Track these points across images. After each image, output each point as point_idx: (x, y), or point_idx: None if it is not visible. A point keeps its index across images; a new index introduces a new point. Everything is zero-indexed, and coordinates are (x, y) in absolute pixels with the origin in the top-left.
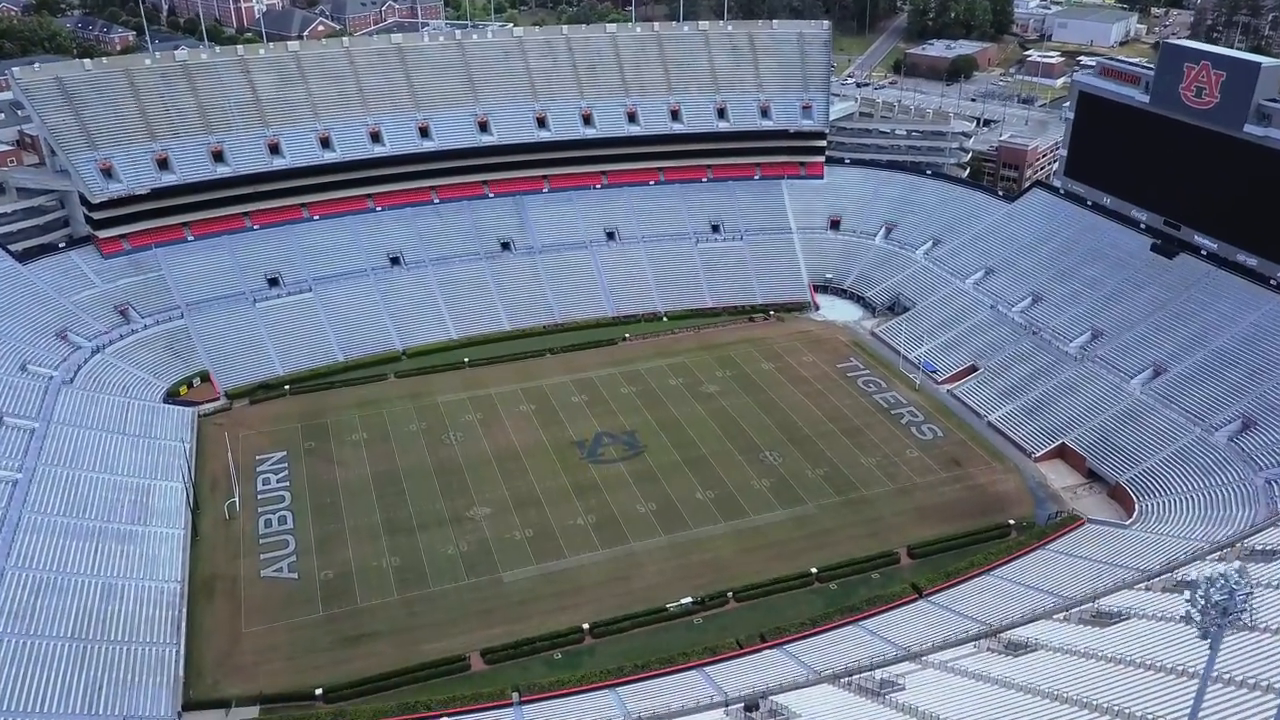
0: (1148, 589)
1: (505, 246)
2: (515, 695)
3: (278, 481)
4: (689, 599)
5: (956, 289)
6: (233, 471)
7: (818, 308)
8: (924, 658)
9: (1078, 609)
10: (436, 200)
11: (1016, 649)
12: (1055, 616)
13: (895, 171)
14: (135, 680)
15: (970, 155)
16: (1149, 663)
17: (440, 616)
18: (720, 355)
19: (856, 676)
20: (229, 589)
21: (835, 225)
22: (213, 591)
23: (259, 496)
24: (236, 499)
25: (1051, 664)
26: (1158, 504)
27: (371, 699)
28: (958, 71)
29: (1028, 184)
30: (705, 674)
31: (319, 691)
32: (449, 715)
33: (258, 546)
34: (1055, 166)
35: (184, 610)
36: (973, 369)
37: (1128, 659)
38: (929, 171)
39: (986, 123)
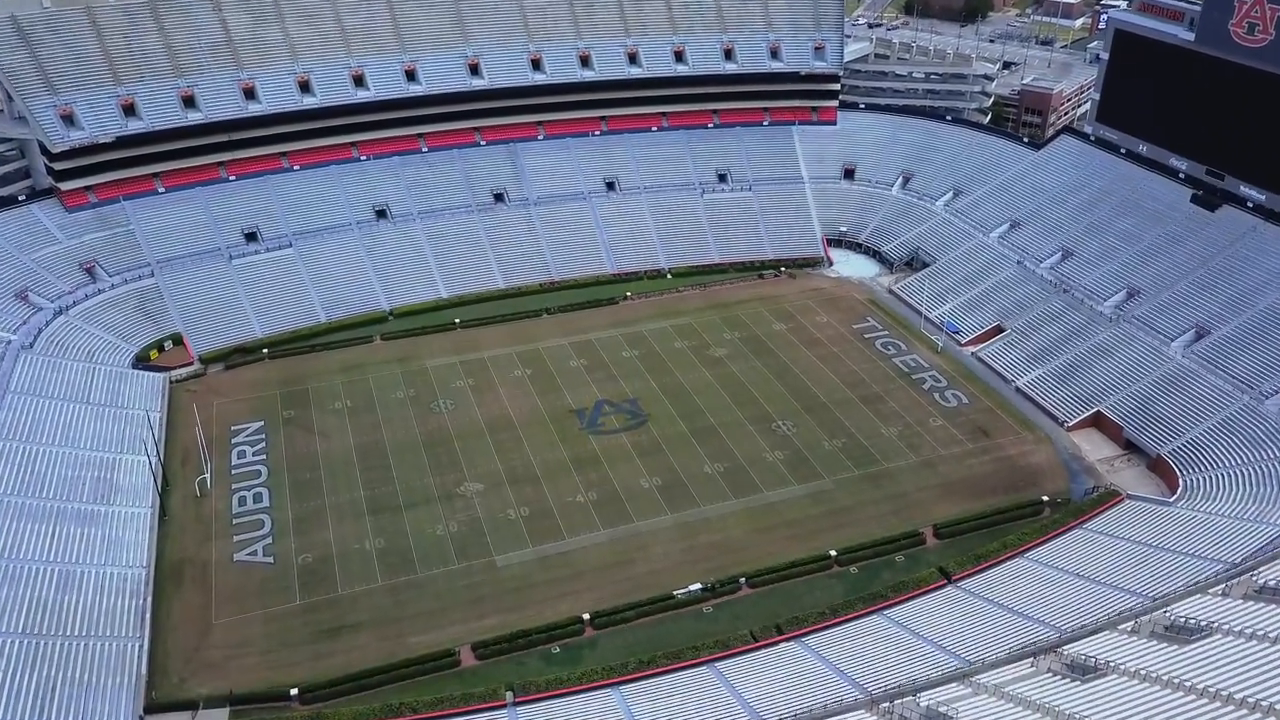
0: (1225, 594)
1: (498, 198)
2: (509, 695)
3: (254, 454)
4: (698, 585)
5: (980, 243)
6: (201, 444)
7: (831, 263)
8: (974, 678)
9: (1147, 617)
10: (425, 149)
11: (1084, 672)
12: (1121, 627)
13: (913, 117)
14: (93, 680)
15: (992, 100)
16: (1254, 701)
17: (428, 605)
18: (728, 315)
19: (897, 703)
20: (199, 575)
21: (849, 174)
22: (181, 578)
23: (233, 471)
24: (208, 474)
25: (1131, 695)
26: (1203, 479)
27: (352, 699)
28: (973, 12)
29: (1056, 130)
30: (717, 671)
31: (294, 691)
32: (437, 718)
33: (231, 527)
34: (1081, 111)
35: (149, 600)
36: (999, 330)
37: (1224, 693)
38: (949, 117)
39: (1006, 65)
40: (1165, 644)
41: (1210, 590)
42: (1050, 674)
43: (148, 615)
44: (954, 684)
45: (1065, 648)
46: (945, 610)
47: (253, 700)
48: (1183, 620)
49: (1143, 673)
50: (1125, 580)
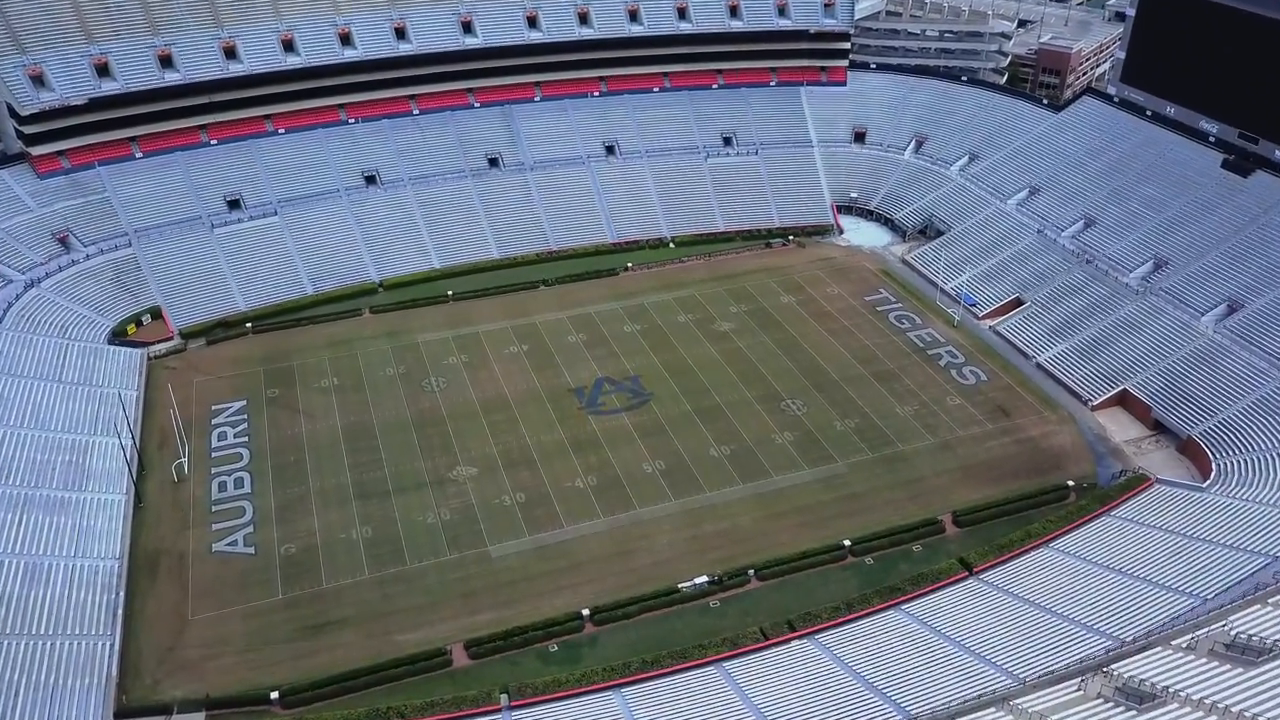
0: None
1: (493, 163)
2: (504, 698)
3: (235, 436)
4: (704, 578)
5: (997, 210)
6: (176, 426)
7: (841, 231)
8: (1013, 702)
9: (1205, 632)
10: (416, 111)
11: (1140, 700)
12: (1176, 642)
13: (926, 77)
14: (60, 683)
15: (1009, 59)
16: None
17: (418, 600)
18: (734, 287)
19: None
20: (175, 567)
21: (860, 138)
22: (156, 570)
23: (213, 454)
24: (185, 459)
25: None
26: (1238, 463)
27: (336, 703)
28: None
29: (1078, 90)
30: (725, 672)
31: (275, 695)
32: None
33: (209, 515)
34: (1100, 71)
35: (121, 594)
36: (1018, 302)
37: None
38: (964, 78)
39: (1021, 24)
40: (1229, 666)
41: (1270, 600)
42: (1101, 699)
43: (120, 611)
44: (993, 709)
45: (1115, 667)
46: (969, 606)
47: (230, 704)
48: (1245, 637)
49: (1208, 703)
50: (1162, 575)
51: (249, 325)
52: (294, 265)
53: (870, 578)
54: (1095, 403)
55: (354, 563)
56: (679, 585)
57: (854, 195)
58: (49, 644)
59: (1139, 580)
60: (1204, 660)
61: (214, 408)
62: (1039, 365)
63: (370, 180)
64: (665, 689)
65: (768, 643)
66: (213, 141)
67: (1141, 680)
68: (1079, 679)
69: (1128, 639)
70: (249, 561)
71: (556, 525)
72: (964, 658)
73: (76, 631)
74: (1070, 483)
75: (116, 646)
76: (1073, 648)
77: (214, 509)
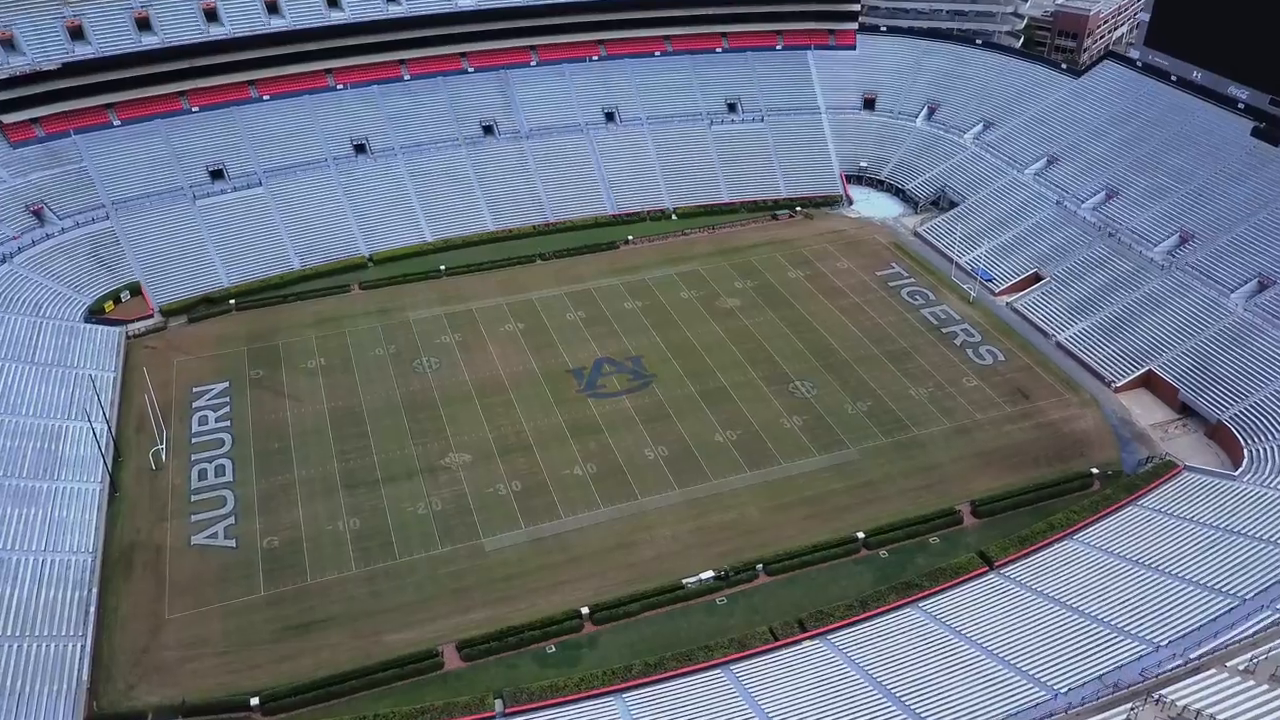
0: None
1: (488, 130)
2: (498, 704)
3: (217, 421)
4: (710, 573)
5: (1014, 180)
6: (150, 410)
7: (851, 202)
8: None
9: (1263, 652)
10: (407, 76)
11: None
12: (1232, 664)
13: (939, 41)
14: (27, 689)
15: (1025, 22)
16: None
17: (408, 597)
18: (740, 261)
19: None
20: (151, 561)
21: (870, 104)
22: (131, 565)
23: (193, 440)
24: (162, 446)
25: None
26: (1272, 449)
27: (320, 709)
28: None
29: (1095, 54)
30: (733, 676)
31: (255, 701)
32: None
33: (189, 505)
34: (1118, 34)
35: (94, 591)
36: (1036, 278)
37: None
38: (978, 41)
39: None
40: None
41: None
42: None
43: (92, 610)
44: None
45: (1167, 693)
46: (991, 605)
47: (208, 710)
48: None
49: None
50: (1196, 571)
51: (232, 302)
52: (280, 238)
53: (885, 572)
54: (1119, 384)
55: (340, 557)
56: (683, 581)
57: (863, 164)
58: (16, 646)
59: (1171, 577)
60: (1264, 688)
61: (195, 390)
62: (1059, 344)
63: (359, 149)
64: (669, 694)
65: (778, 644)
66: (194, 108)
67: (1199, 714)
68: (1128, 705)
69: (1162, 643)
70: (230, 555)
71: (554, 516)
72: (990, 664)
73: (46, 633)
74: (1094, 470)
75: (88, 648)
76: (1105, 654)
77: (193, 499)
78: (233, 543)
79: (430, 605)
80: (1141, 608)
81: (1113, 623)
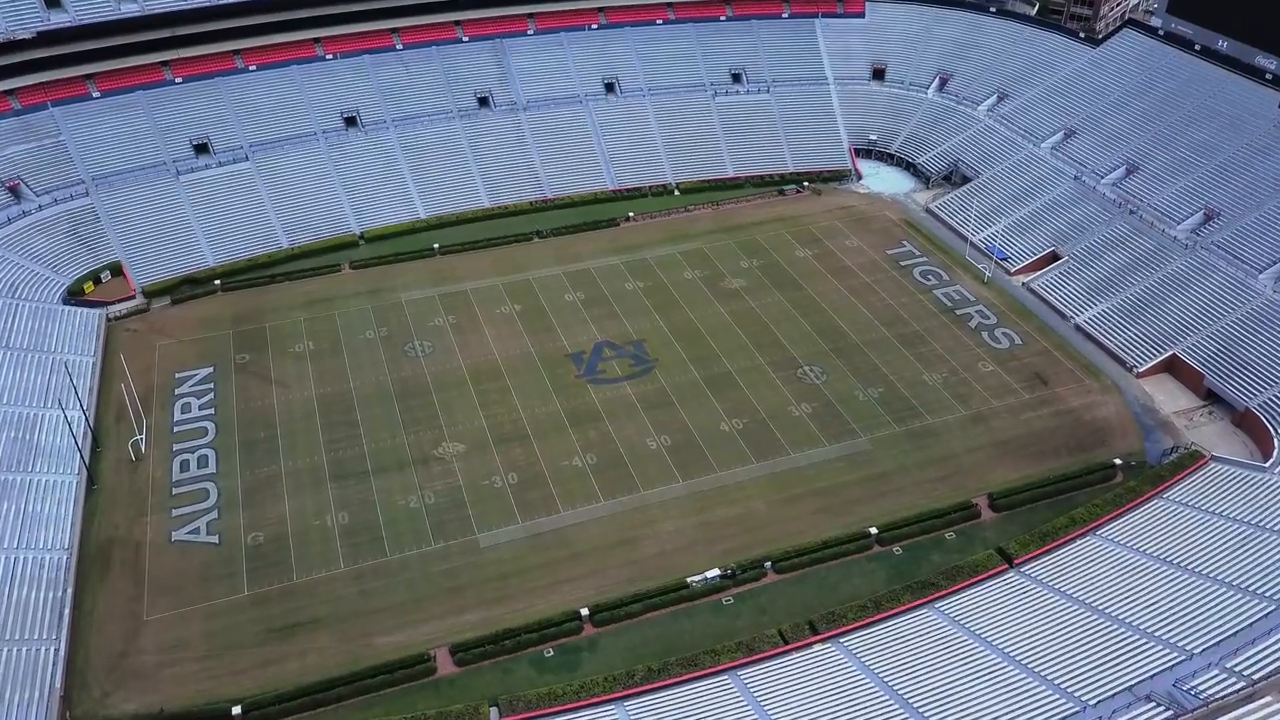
0: None
1: (483, 102)
2: (494, 712)
3: (200, 409)
4: (715, 572)
5: (1030, 155)
6: (131, 397)
7: (860, 177)
8: None
9: None
10: (399, 46)
11: None
12: None
13: (951, 8)
14: None
15: None
16: None
17: (399, 596)
18: (745, 239)
19: None
20: (130, 559)
21: (879, 75)
22: (109, 563)
23: (175, 429)
24: (142, 436)
25: None
26: None
27: (306, 717)
28: None
29: (1111, 22)
30: (740, 682)
31: (238, 710)
32: None
33: (170, 499)
34: (1137, 1)
35: (70, 591)
36: (1054, 257)
37: None
38: (992, 8)
39: None
40: None
41: None
42: None
43: (67, 611)
44: None
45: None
46: (1012, 606)
47: (188, 719)
48: None
49: None
50: (1227, 571)
51: (218, 282)
52: (267, 216)
53: (899, 570)
54: (1141, 369)
55: (328, 554)
56: (688, 580)
57: (873, 138)
58: None
59: (1201, 577)
60: None
61: (178, 375)
62: (1078, 327)
63: (350, 122)
64: (673, 702)
65: (787, 647)
66: (177, 79)
67: None
68: None
69: (1195, 651)
70: (212, 552)
71: (552, 510)
72: (1013, 672)
73: (18, 636)
74: (1117, 460)
75: (62, 652)
76: (1135, 662)
77: (175, 492)
78: (215, 539)
79: (422, 606)
80: (1170, 611)
81: (1141, 627)
